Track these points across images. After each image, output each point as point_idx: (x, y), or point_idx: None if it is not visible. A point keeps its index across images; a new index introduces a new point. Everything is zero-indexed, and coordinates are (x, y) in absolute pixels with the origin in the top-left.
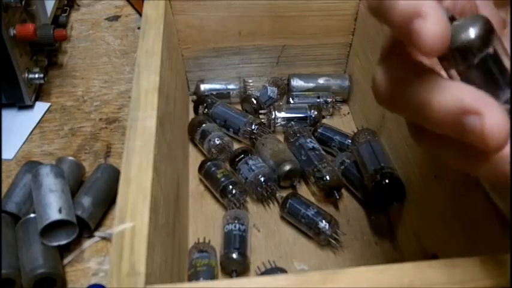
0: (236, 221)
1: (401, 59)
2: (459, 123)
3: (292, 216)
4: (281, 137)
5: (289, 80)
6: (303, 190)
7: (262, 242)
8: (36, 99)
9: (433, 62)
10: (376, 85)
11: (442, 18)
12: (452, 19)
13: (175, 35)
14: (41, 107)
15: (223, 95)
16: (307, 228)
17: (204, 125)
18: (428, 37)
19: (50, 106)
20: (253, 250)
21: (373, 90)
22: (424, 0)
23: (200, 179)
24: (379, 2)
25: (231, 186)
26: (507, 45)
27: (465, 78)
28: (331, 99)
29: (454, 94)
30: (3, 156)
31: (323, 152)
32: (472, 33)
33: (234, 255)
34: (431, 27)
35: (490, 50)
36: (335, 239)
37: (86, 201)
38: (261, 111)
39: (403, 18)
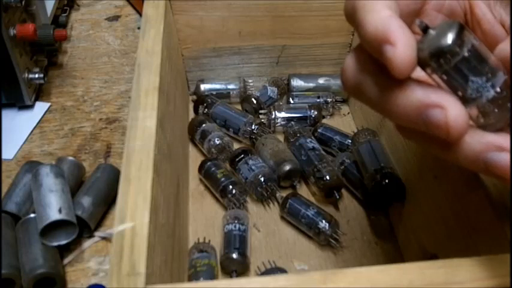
0: (236, 221)
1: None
2: (422, 117)
3: (292, 216)
4: (281, 137)
5: (289, 80)
6: (303, 190)
7: (262, 242)
8: (36, 99)
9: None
10: (344, 69)
11: (409, 42)
12: (426, 28)
13: (175, 35)
14: (41, 107)
15: (223, 95)
16: (307, 228)
17: (204, 125)
18: (400, 64)
19: (50, 106)
20: (253, 250)
21: (341, 73)
22: (391, 21)
23: (200, 179)
24: (352, 13)
25: (231, 186)
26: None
27: (449, 80)
28: (331, 99)
29: (417, 91)
30: (3, 156)
31: (323, 152)
32: (445, 40)
33: (234, 255)
34: (401, 55)
35: (466, 50)
36: (335, 239)
37: (86, 201)
38: (261, 111)
39: (373, 40)
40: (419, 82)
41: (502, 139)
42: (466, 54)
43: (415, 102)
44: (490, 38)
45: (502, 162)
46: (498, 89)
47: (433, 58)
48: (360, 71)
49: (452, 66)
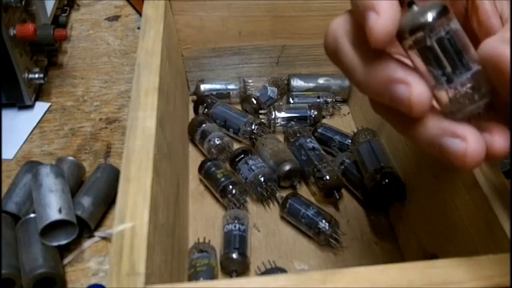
0: (236, 221)
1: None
2: (388, 91)
3: (292, 216)
4: (281, 137)
5: (289, 80)
6: (303, 190)
7: (262, 242)
8: (36, 99)
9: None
10: (328, 31)
11: (393, 16)
12: (411, 3)
13: (175, 35)
14: (41, 107)
15: (223, 95)
16: (307, 228)
17: (204, 125)
18: (378, 33)
19: (50, 106)
20: (253, 250)
21: (325, 35)
22: None
23: (200, 179)
24: None
25: (231, 186)
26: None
27: (423, 59)
28: (331, 99)
29: (388, 66)
30: (3, 156)
31: (323, 152)
32: (424, 17)
33: (234, 255)
34: (382, 25)
35: (442, 33)
36: (335, 239)
37: (86, 201)
38: (261, 111)
39: (361, 3)
40: (392, 58)
41: (458, 127)
42: (429, 43)
43: (383, 76)
44: (484, 29)
45: (454, 148)
46: (454, 85)
47: (407, 33)
48: (342, 36)
49: (420, 48)
